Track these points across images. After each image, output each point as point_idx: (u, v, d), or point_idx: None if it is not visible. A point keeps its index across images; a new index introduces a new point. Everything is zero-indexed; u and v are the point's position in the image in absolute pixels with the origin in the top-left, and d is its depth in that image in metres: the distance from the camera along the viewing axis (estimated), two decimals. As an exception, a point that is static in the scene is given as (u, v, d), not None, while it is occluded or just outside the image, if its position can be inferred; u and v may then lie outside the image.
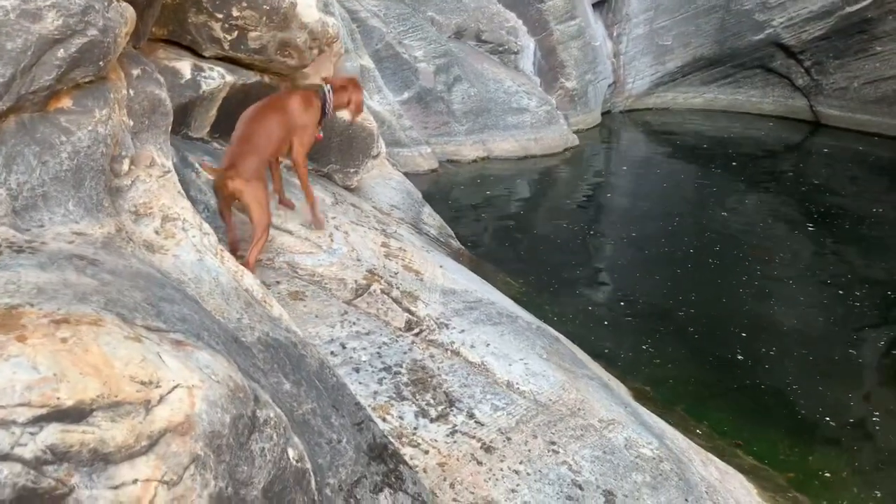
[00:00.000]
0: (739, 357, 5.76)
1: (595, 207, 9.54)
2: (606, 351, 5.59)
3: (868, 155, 11.77)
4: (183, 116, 4.66)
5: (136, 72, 3.57)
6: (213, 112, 4.85)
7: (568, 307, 6.35)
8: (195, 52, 4.86)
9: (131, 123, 3.40)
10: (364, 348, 3.57)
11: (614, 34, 13.37)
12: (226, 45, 4.77)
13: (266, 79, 5.10)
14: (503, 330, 4.15)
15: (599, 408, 3.75)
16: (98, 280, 2.04)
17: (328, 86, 4.28)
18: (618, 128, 13.11)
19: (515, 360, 3.86)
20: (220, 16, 4.60)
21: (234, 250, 3.78)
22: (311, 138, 4.22)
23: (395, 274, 4.21)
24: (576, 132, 11.69)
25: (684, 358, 5.73)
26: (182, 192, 3.28)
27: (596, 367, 4.74)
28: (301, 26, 4.99)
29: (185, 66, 4.65)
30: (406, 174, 9.10)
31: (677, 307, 6.53)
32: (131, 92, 3.43)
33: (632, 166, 11.37)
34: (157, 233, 2.89)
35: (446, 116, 10.66)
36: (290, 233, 4.18)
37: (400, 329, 3.79)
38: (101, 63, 2.93)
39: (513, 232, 8.35)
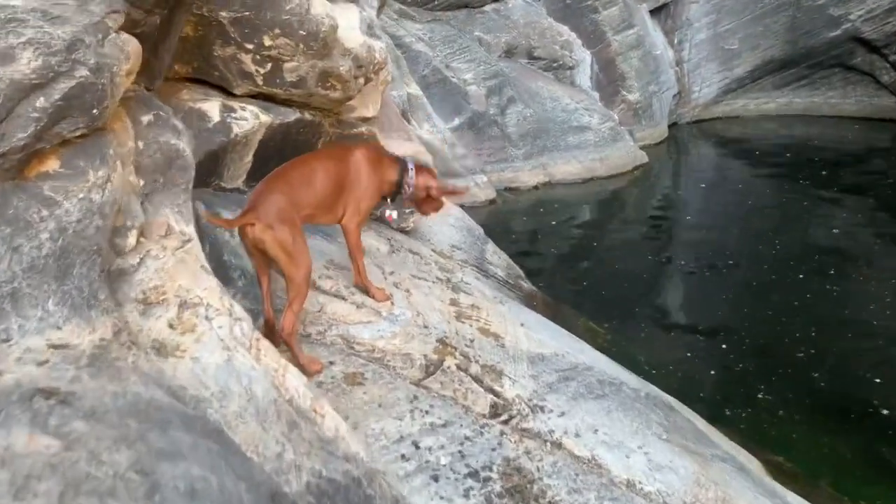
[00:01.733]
0: (877, 404, 4.83)
1: (673, 232, 8.65)
2: (723, 410, 4.72)
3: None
4: (214, 165, 4.03)
5: (146, 118, 2.92)
6: (249, 158, 4.20)
7: (664, 356, 5.49)
8: (225, 91, 4.24)
9: (141, 184, 2.75)
10: (442, 447, 2.81)
11: (675, 41, 12.50)
12: (259, 80, 4.13)
13: (307, 115, 4.44)
14: (609, 405, 3.35)
15: (746, 506, 2.91)
16: (61, 441, 1.35)
17: (412, 163, 3.59)
18: (687, 140, 12.18)
19: (633, 448, 3.05)
20: (250, 46, 3.96)
21: (269, 328, 3.09)
22: (371, 204, 3.51)
23: (471, 342, 3.45)
24: (642, 148, 10.82)
25: (812, 410, 4.81)
26: (206, 266, 2.59)
27: (721, 439, 3.88)
28: (344, 52, 4.32)
29: (213, 107, 4.01)
30: (462, 207, 8.41)
31: (790, 346, 5.61)
32: (140, 144, 2.78)
33: (708, 182, 10.43)
34: (171, 326, 2.21)
35: (501, 141, 9.94)
36: (343, 298, 3.46)
37: (484, 416, 3.02)
38: (95, 111, 2.27)
39: (586, 265, 7.53)
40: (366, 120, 5.33)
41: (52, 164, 2.21)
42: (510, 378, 3.22)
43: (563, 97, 10.55)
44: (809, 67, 12.34)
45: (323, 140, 4.72)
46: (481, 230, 6.78)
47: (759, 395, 5.02)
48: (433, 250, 5.56)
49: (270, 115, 4.19)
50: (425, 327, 3.43)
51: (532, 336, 3.78)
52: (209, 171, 4.03)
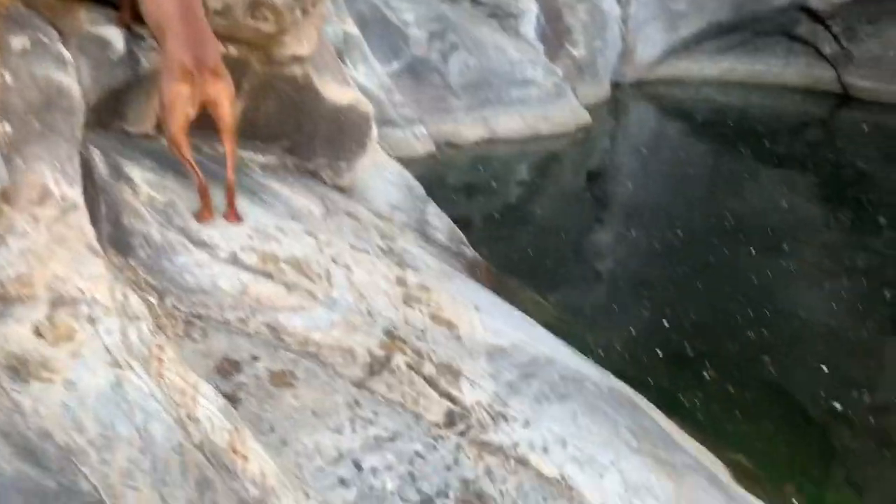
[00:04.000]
0: (825, 394, 4.64)
1: (614, 198, 8.32)
2: (676, 396, 4.42)
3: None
4: (117, 105, 3.34)
5: (18, 43, 2.26)
6: (160, 97, 3.53)
7: (611, 335, 5.14)
8: (135, 16, 3.52)
9: (7, 130, 2.11)
10: (389, 467, 2.34)
11: (623, -4, 12.05)
12: (175, 5, 3.43)
13: (231, 50, 3.78)
14: (575, 408, 2.94)
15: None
16: None
17: None
18: (628, 101, 11.84)
19: (605, 464, 2.65)
20: (164, -39, 3.25)
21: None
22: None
23: (423, 332, 2.96)
24: (585, 107, 10.40)
25: (769, 400, 4.58)
26: (94, 243, 2.00)
27: (684, 439, 3.56)
28: (279, -22, 3.66)
29: (117, 34, 3.30)
30: (400, 160, 7.83)
31: (733, 324, 5.38)
32: (7, 77, 2.13)
33: (649, 147, 10.13)
34: (38, 333, 1.63)
35: (443, 90, 9.33)
36: (270, 276, 2.89)
37: (438, 425, 2.55)
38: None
39: (527, 231, 7.12)
40: (299, 59, 4.65)
41: None
42: (468, 379, 2.75)
43: (508, 48, 9.98)
44: (754, 34, 12.11)
45: (249, 81, 4.06)
46: (422, 189, 6.25)
47: (709, 379, 4.76)
48: (371, 210, 5.01)
49: (188, 47, 3.50)
50: (369, 314, 2.91)
51: (488, 323, 3.32)
52: (112, 111, 3.36)
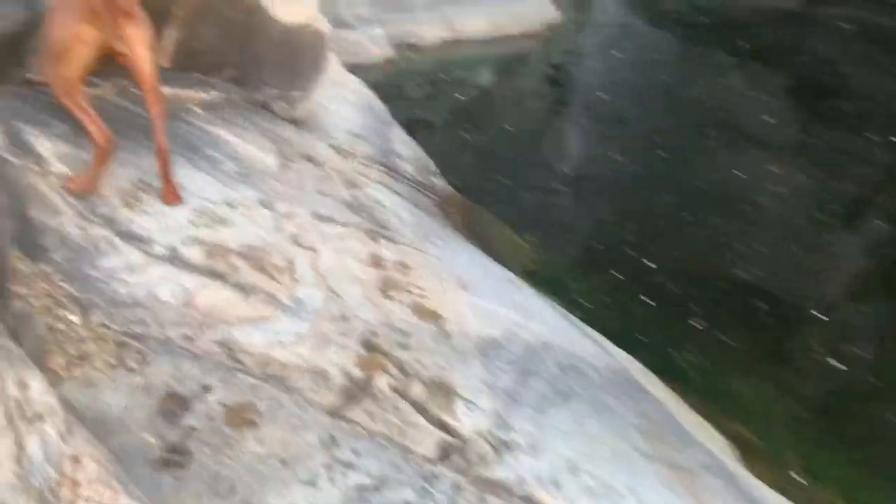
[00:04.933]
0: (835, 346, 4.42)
1: (586, 105, 7.77)
2: (669, 354, 4.14)
3: (885, 28, 10.24)
4: (15, 49, 2.67)
5: None
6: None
7: (594, 282, 4.78)
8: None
9: None
10: (377, 525, 1.96)
11: None
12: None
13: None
14: (580, 410, 2.59)
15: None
16: None
17: None
18: (598, -4, 11.06)
19: (622, 491, 2.32)
20: None
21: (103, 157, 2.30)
22: None
23: (408, 336, 2.51)
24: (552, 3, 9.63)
25: (761, 350, 4.34)
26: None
27: (688, 417, 3.28)
28: None
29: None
30: (356, 66, 7.11)
31: (728, 263, 5.09)
32: None
33: (618, 45, 9.48)
34: None
35: (401, -14, 8.47)
36: (221, 278, 2.38)
37: (431, 461, 2.17)
38: None
39: (497, 147, 6.59)
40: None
41: None
42: (463, 400, 2.35)
43: (471, -66, 9.04)
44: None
45: (183, 5, 3.37)
46: (384, 109, 5.66)
47: (699, 327, 4.49)
48: (332, 146, 4.44)
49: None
50: (343, 318, 2.44)
51: (477, 306, 2.89)
52: (9, 58, 2.69)
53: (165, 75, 3.51)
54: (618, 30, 9.97)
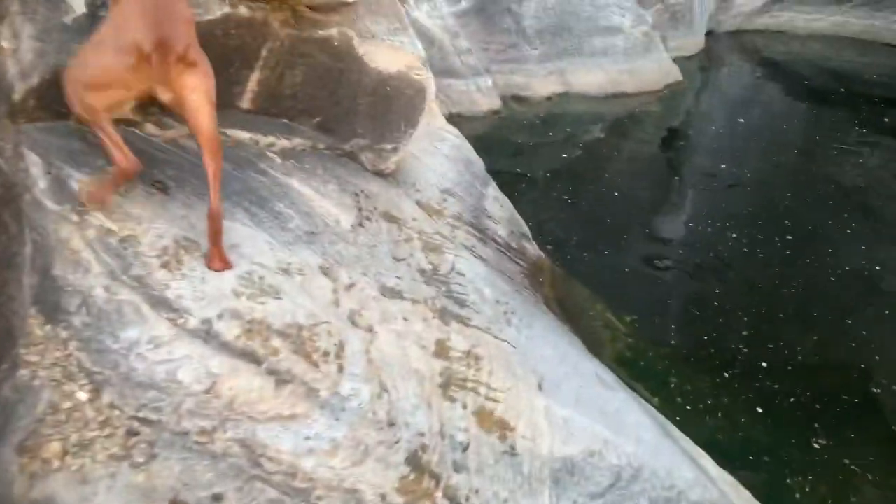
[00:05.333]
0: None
1: (705, 174, 7.19)
2: (785, 491, 3.51)
3: None
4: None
5: None
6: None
7: (699, 379, 4.21)
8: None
9: None
10: None
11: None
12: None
13: (243, 9, 2.87)
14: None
15: None
16: None
17: None
18: (723, 55, 10.47)
19: None
20: None
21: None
22: None
23: (466, 452, 2.11)
24: (675, 60, 9.14)
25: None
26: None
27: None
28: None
29: (80, -11, 2.43)
30: (459, 116, 6.87)
31: (860, 371, 4.40)
32: None
33: (746, 115, 8.85)
34: None
35: (515, 36, 8.22)
36: (255, 360, 2.06)
37: None
38: None
39: (601, 214, 6.13)
40: (341, 7, 3.72)
41: None
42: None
43: (594, -11, 8.73)
44: (878, -17, 10.53)
45: (269, 48, 3.15)
46: (481, 165, 5.32)
47: (821, 448, 3.84)
48: (419, 202, 4.12)
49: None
50: (390, 424, 2.06)
51: (557, 414, 2.45)
52: (61, 94, 2.50)
53: (246, 118, 3.33)
54: (745, 94, 9.35)
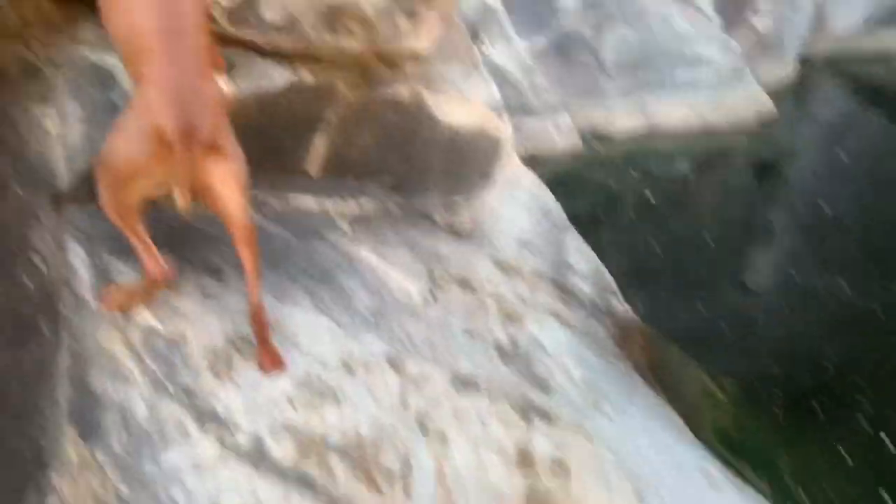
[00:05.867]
0: None
1: (805, 220, 6.65)
2: None
3: None
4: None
5: None
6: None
7: (813, 459, 3.75)
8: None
9: None
10: None
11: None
12: (223, 20, 2.36)
13: (306, 76, 2.68)
14: None
15: None
16: None
17: None
18: (819, 83, 9.86)
19: None
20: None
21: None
22: None
23: None
24: (767, 92, 8.62)
25: None
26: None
27: None
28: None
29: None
30: (536, 157, 6.58)
31: None
32: None
33: (845, 145, 8.24)
34: None
35: (594, 71, 7.92)
36: (308, 484, 1.80)
37: None
38: None
39: (690, 264, 5.70)
40: (413, 58, 3.50)
41: None
42: None
43: (677, 19, 8.34)
44: None
45: (336, 112, 2.95)
46: (561, 213, 4.97)
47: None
48: (495, 262, 3.84)
49: (241, 81, 2.44)
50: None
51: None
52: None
53: (313, 184, 3.14)
54: (843, 125, 8.72)
